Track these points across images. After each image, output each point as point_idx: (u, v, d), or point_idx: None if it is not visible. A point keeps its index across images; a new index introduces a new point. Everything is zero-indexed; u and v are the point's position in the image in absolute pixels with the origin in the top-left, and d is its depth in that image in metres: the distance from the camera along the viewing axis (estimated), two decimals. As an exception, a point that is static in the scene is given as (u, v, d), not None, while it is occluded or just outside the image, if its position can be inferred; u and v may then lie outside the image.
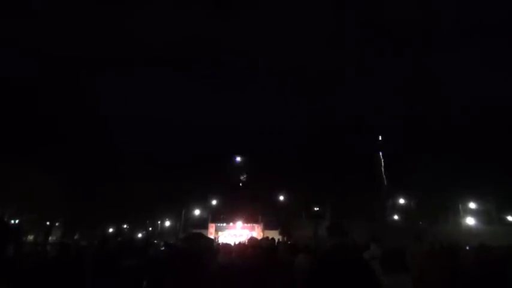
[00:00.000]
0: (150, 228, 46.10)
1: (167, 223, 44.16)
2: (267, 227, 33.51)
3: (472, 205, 35.34)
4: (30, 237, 31.05)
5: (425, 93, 40.26)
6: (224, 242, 25.62)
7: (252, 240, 7.70)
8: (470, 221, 34.53)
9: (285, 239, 28.02)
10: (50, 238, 31.08)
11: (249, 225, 33.94)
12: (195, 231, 28.57)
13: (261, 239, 11.32)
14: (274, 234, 29.24)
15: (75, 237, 35.62)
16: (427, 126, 37.69)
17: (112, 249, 8.10)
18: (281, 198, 38.53)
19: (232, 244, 13.19)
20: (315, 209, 37.09)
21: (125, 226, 45.04)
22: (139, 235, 42.59)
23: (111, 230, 41.17)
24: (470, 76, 37.90)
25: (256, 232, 32.47)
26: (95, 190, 33.52)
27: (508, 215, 34.85)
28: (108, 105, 40.65)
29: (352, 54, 42.49)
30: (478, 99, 36.99)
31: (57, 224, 36.23)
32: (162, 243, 17.18)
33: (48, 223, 34.34)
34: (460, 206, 35.28)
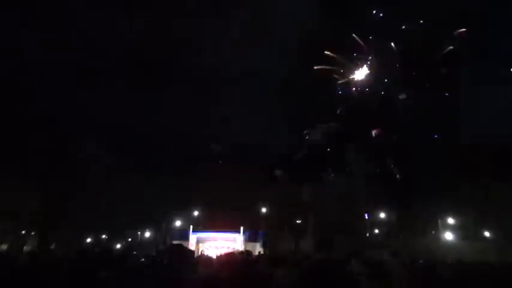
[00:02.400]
0: (130, 239, 45.25)
1: (147, 234, 43.46)
2: (248, 239, 33.35)
3: (451, 220, 35.98)
4: (4, 247, 30.03)
5: (409, 108, 41.17)
6: (205, 254, 25.39)
7: (230, 253, 7.69)
8: (448, 236, 35.10)
9: (266, 251, 27.94)
10: (24, 248, 30.13)
11: (230, 237, 33.69)
12: (175, 242, 28.21)
13: (238, 252, 11.28)
14: (256, 247, 29.17)
15: (52, 246, 34.63)
16: (408, 141, 38.48)
17: (89, 260, 7.92)
18: (263, 210, 38.48)
19: (214, 256, 13.08)
20: (297, 222, 37.17)
21: (104, 236, 44.09)
22: (118, 246, 41.73)
23: (89, 240, 40.21)
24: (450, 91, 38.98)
25: (237, 244, 32.26)
26: (73, 199, 32.83)
27: (485, 231, 35.60)
28: (87, 111, 39.90)
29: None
30: (458, 116, 38.07)
31: (33, 233, 35.17)
32: (141, 255, 16.88)
33: (23, 232, 33.35)
34: (438, 221, 35.87)
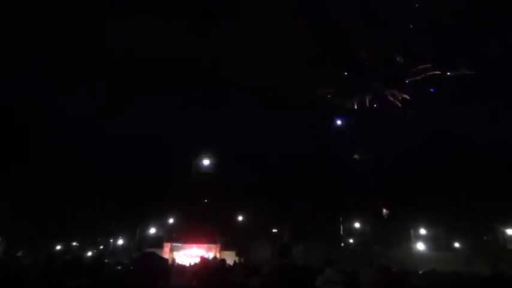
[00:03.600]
0: (102, 247, 44.10)
1: (120, 241, 42.45)
2: (224, 247, 33.04)
3: (423, 231, 36.92)
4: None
5: (382, 119, 42.22)
6: (179, 262, 24.98)
7: (204, 261, 7.60)
8: (420, 246, 35.98)
9: (242, 260, 27.76)
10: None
11: (205, 245, 33.32)
12: (149, 250, 27.64)
13: (212, 260, 11.14)
14: (232, 255, 28.93)
15: (19, 254, 33.29)
16: (380, 153, 39.37)
17: (58, 268, 7.66)
18: (240, 218, 38.30)
19: (188, 265, 12.91)
20: (273, 230, 37.18)
21: (75, 243, 42.81)
22: (90, 253, 40.57)
23: (58, 247, 38.94)
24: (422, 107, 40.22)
25: (213, 253, 31.94)
26: (42, 203, 31.79)
27: (455, 242, 36.68)
28: (59, 115, 38.85)
29: (330, 76, 44.03)
30: (429, 130, 39.24)
31: (-1, 240, 33.78)
32: (114, 263, 16.46)
33: (-12, 238, 32.03)
34: (411, 231, 36.71)
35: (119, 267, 11.94)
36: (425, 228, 36.77)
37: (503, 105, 37.00)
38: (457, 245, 36.46)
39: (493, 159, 33.68)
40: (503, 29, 38.27)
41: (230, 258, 23.80)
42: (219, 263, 9.31)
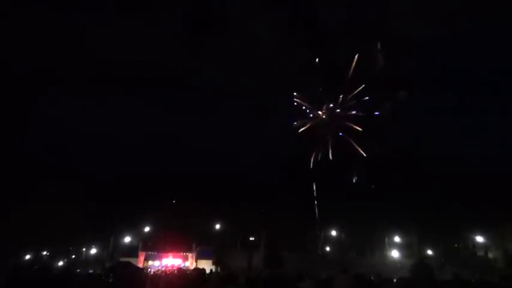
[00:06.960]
0: (74, 256, 42.66)
1: (93, 250, 41.17)
2: (200, 256, 32.62)
3: (397, 239, 37.59)
4: None
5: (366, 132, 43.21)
6: (151, 272, 24.53)
7: (180, 271, 7.47)
8: (395, 254, 36.60)
9: (218, 269, 27.51)
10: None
11: (182, 254, 32.84)
12: (123, 259, 26.93)
13: (189, 270, 10.99)
14: (208, 264, 28.61)
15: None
16: (360, 164, 40.12)
17: (26, 279, 7.38)
18: (217, 227, 37.98)
19: (163, 274, 12.67)
20: (250, 239, 37.02)
21: (45, 253, 41.21)
22: (61, 263, 39.16)
23: (27, 257, 37.37)
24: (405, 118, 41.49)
25: (189, 262, 31.52)
26: (9, 210, 30.58)
27: (427, 249, 37.50)
28: (32, 119, 37.90)
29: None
30: (409, 141, 40.43)
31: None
32: (85, 273, 16.02)
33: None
34: (386, 239, 37.31)
35: (90, 277, 11.60)
36: (399, 236, 37.44)
37: (468, 120, 38.67)
38: (429, 252, 37.28)
39: (463, 171, 34.85)
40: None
41: (207, 267, 23.53)
42: (197, 272, 9.19)
